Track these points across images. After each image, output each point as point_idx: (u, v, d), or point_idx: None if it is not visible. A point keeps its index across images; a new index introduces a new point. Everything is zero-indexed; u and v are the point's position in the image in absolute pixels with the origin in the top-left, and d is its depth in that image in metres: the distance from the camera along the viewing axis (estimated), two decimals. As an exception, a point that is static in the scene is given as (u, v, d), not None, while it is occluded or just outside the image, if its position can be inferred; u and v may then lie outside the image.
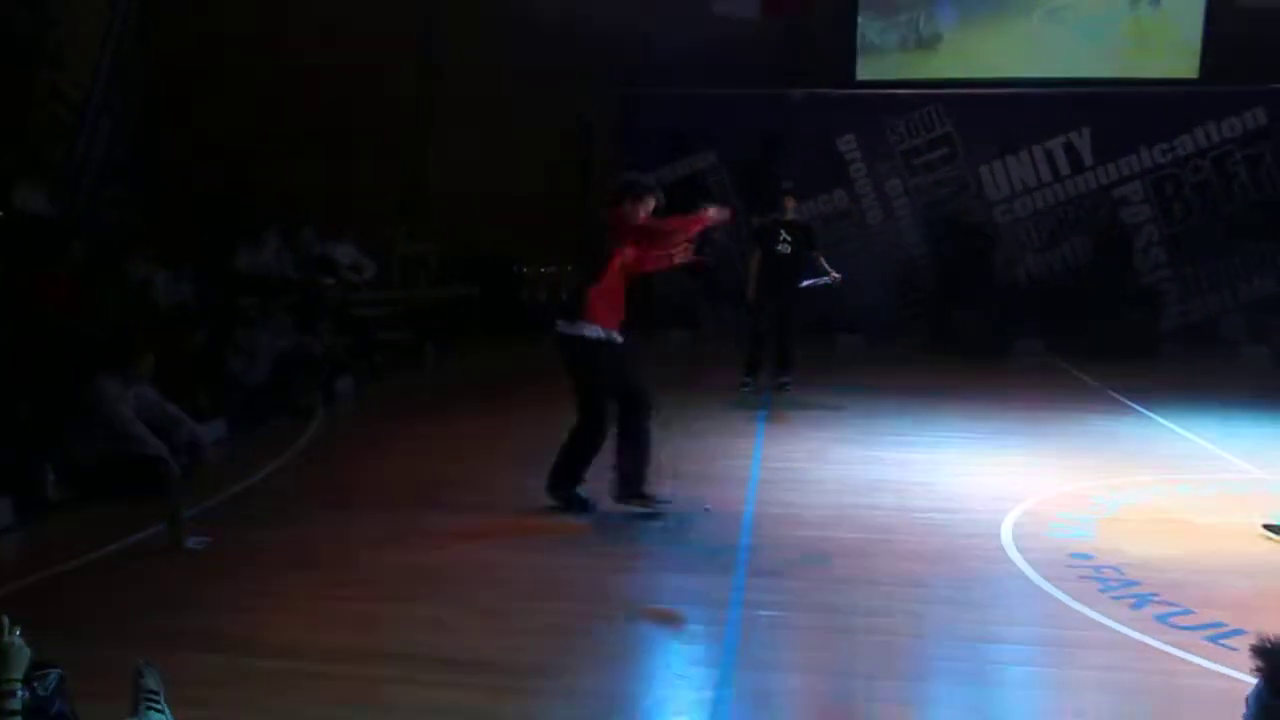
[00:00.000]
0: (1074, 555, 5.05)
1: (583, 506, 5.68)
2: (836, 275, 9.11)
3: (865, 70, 13.26)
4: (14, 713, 2.45)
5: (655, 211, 5.64)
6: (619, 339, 5.61)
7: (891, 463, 6.94)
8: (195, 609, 4.34)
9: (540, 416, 8.29)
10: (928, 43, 13.20)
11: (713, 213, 5.67)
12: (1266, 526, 5.28)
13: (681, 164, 13.48)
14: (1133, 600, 4.46)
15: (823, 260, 9.23)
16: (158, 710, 2.97)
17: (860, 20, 13.17)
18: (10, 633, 2.49)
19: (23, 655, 2.50)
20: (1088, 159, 12.92)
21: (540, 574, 4.83)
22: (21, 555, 5.10)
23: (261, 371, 8.38)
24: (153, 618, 4.22)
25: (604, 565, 4.95)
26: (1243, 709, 2.21)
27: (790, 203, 9.29)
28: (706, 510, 5.63)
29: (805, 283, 9.13)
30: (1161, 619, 4.25)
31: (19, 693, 2.47)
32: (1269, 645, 2.18)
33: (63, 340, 7.78)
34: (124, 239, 10.32)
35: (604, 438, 5.63)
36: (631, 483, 5.58)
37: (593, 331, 5.49)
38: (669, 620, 4.31)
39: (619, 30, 12.78)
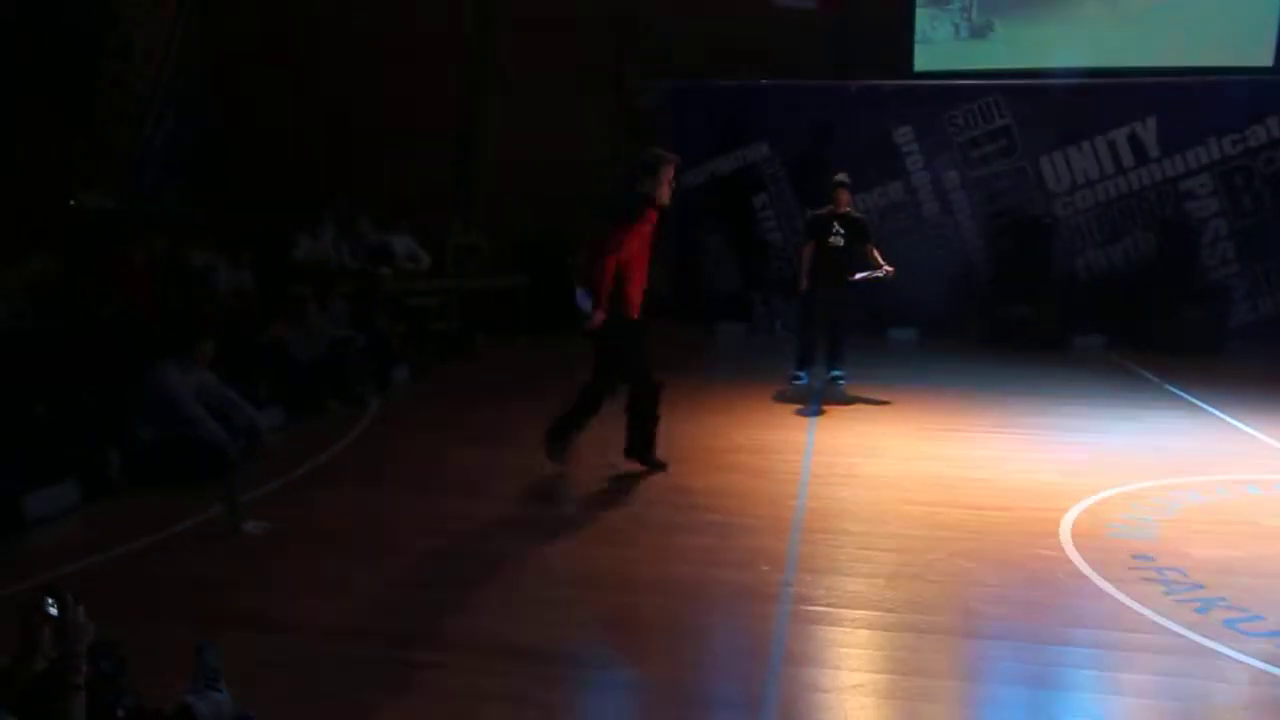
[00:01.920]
0: (1136, 556, 4.92)
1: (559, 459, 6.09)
2: (890, 268, 8.98)
3: (921, 61, 13.04)
4: (78, 687, 2.50)
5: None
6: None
7: (946, 459, 6.83)
8: (247, 591, 4.41)
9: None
10: (979, 31, 12.95)
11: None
12: None
13: (734, 156, 13.37)
14: (1197, 604, 4.33)
15: (876, 253, 9.10)
16: (217, 689, 3.02)
17: (915, 10, 12.95)
18: (74, 609, 2.53)
19: (86, 630, 2.54)
20: (1153, 150, 12.57)
21: (586, 565, 4.82)
22: (85, 535, 5.20)
23: (319, 357, 8.46)
24: (207, 598, 4.30)
25: (651, 558, 4.93)
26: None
27: (844, 195, 9.15)
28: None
29: (858, 275, 9.01)
30: (1229, 624, 4.13)
31: (82, 667, 2.52)
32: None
33: (131, 327, 7.96)
34: (187, 229, 10.52)
35: (598, 409, 6.11)
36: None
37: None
38: (719, 614, 4.27)
39: (671, 21, 12.71)
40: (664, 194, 5.83)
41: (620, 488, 6.04)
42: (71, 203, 9.41)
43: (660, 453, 6.36)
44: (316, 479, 6.28)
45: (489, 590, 4.46)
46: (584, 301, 5.78)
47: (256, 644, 3.84)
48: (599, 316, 5.79)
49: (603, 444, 6.41)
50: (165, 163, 12.04)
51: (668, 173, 5.74)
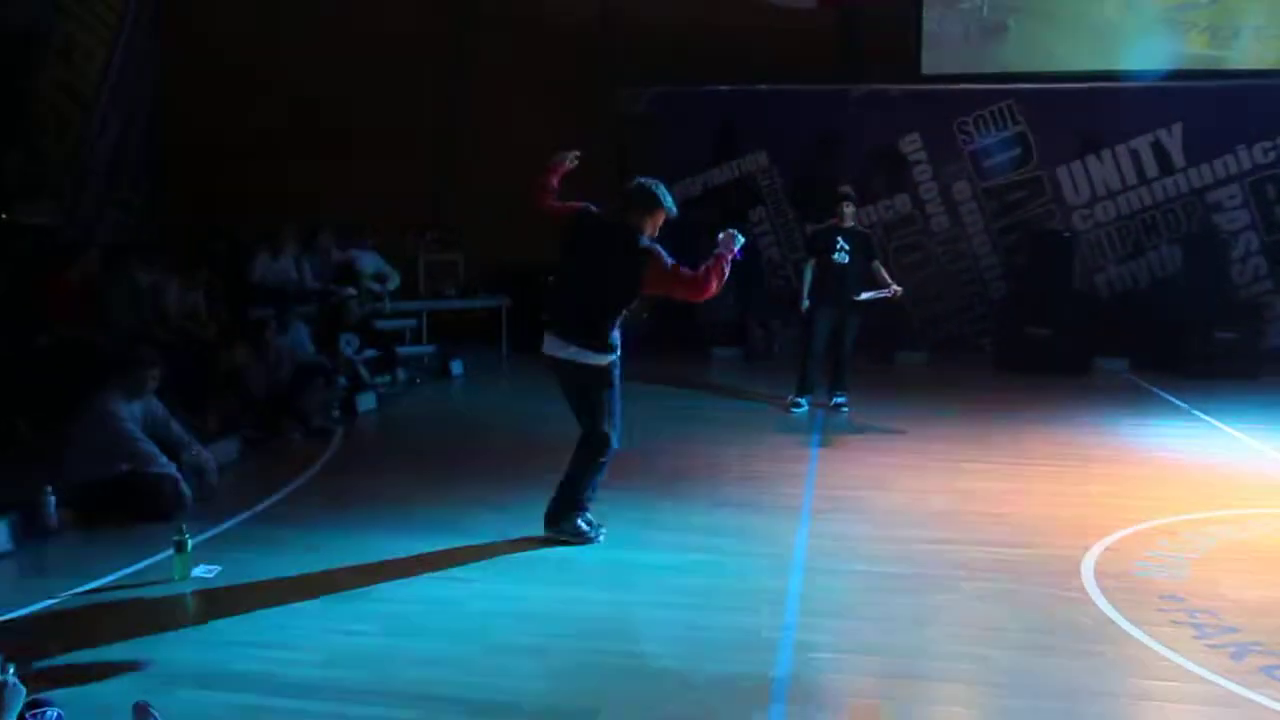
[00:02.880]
0: (1164, 597, 4.91)
1: (588, 538, 5.67)
2: (898, 287, 9.01)
3: (929, 63, 13.14)
4: None
5: (665, 225, 5.59)
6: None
7: (958, 492, 6.82)
8: (203, 642, 4.35)
9: (570, 438, 8.31)
10: (992, 31, 13.06)
11: (724, 243, 5.47)
12: None
13: (730, 166, 13.44)
14: (1232, 649, 4.32)
15: (883, 271, 9.13)
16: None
17: (923, 8, 13.05)
18: (3, 670, 2.50)
19: (17, 694, 2.51)
20: (1178, 159, 12.67)
21: (570, 608, 4.78)
22: (18, 584, 5.14)
23: (279, 385, 8.44)
24: (157, 651, 4.24)
25: (640, 601, 4.90)
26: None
27: (848, 208, 9.21)
28: None
29: (864, 295, 9.04)
30: (1267, 671, 4.11)
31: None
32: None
33: (68, 352, 7.92)
34: (133, 244, 10.49)
35: (610, 458, 5.67)
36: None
37: (611, 357, 5.53)
38: (712, 661, 4.24)
39: (661, 20, 12.79)
40: (648, 233, 5.56)
41: (606, 523, 6.00)
42: (3, 217, 9.38)
43: (650, 482, 6.31)
44: (274, 517, 6.24)
45: (461, 638, 4.42)
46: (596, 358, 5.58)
47: (204, 702, 3.80)
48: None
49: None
50: (110, 174, 12.03)
51: (659, 218, 5.55)
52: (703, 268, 5.38)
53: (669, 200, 5.58)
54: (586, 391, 5.57)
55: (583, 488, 5.70)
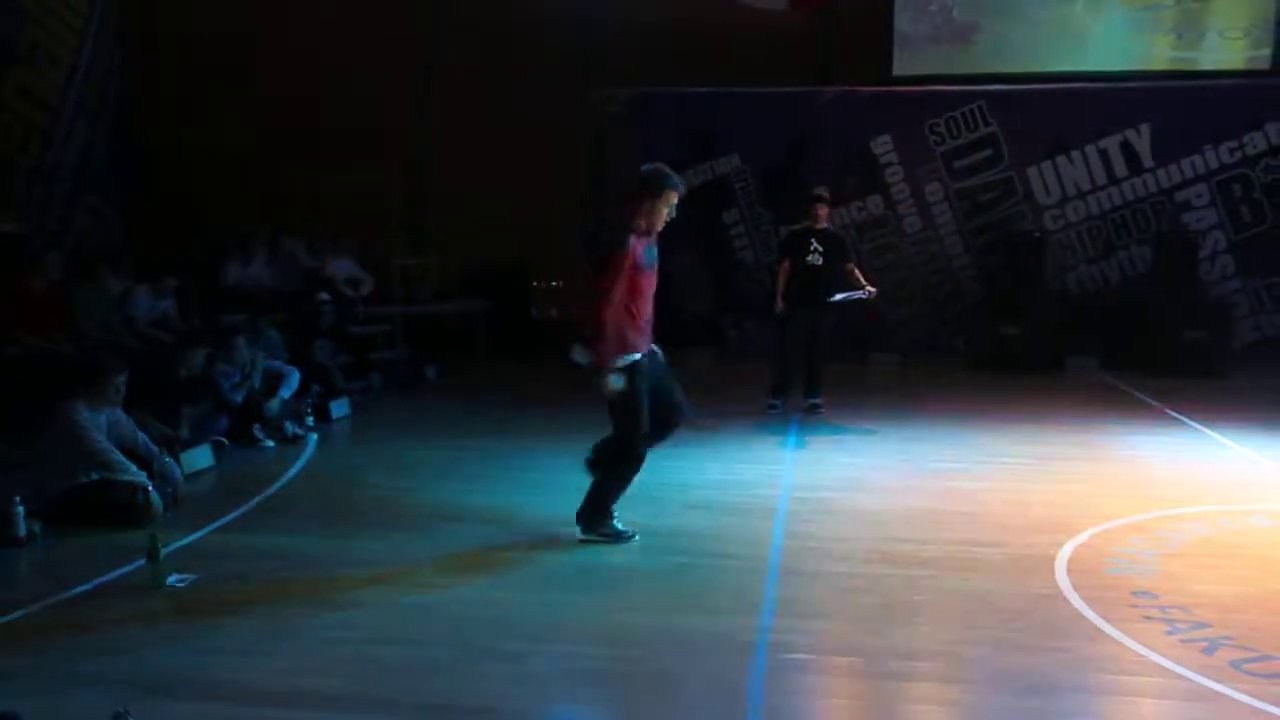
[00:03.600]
0: (1136, 593, 4.96)
1: (619, 538, 5.69)
2: (871, 288, 9.06)
3: (900, 65, 13.22)
4: None
5: (680, 205, 5.57)
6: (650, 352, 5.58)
7: (933, 492, 6.87)
8: (176, 652, 4.32)
9: (550, 441, 8.31)
10: (962, 33, 13.15)
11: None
12: None
13: (703, 168, 13.46)
14: (1204, 644, 4.37)
15: (856, 272, 9.18)
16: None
17: (894, 9, 13.13)
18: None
19: None
20: (1147, 159, 12.81)
21: (547, 613, 4.78)
22: (-12, 594, 5.09)
23: (252, 391, 8.39)
24: (130, 662, 4.21)
25: (616, 604, 4.90)
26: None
27: (821, 210, 9.25)
28: None
29: (838, 296, 9.08)
30: (1237, 665, 4.16)
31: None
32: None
33: (35, 362, 7.85)
34: (102, 251, 10.41)
35: (640, 463, 5.64)
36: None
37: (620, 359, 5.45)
38: (688, 663, 4.25)
39: (633, 23, 12.81)
40: (655, 220, 5.53)
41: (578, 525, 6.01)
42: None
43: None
44: (248, 525, 6.20)
45: (438, 645, 4.40)
46: (580, 357, 5.58)
47: (179, 712, 3.77)
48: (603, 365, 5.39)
49: (571, 481, 6.38)
50: (77, 180, 11.92)
51: (669, 199, 5.50)
52: (602, 295, 5.33)
53: (673, 179, 5.55)
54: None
55: (609, 490, 5.69)
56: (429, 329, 12.56)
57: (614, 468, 5.67)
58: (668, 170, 5.59)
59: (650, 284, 5.58)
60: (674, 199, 5.53)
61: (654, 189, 5.51)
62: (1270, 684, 3.99)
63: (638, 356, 5.51)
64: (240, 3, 13.39)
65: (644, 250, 5.51)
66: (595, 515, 5.71)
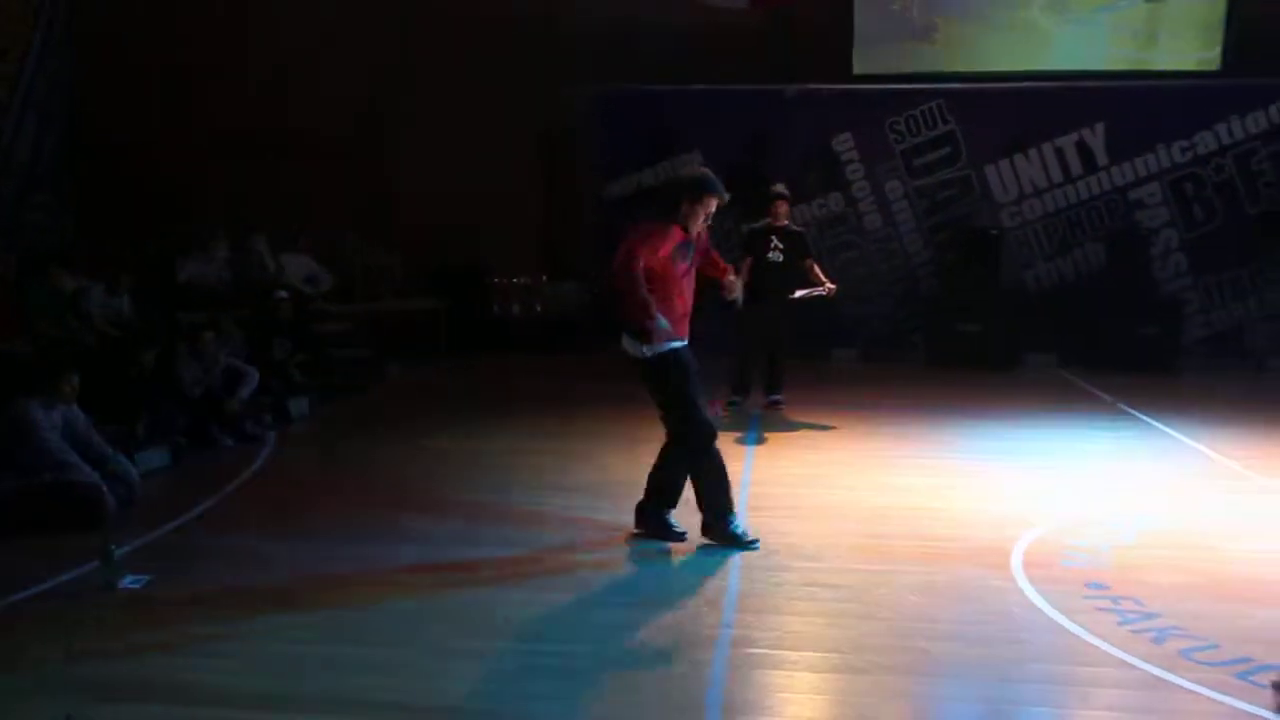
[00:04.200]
0: (1090, 585, 5.05)
1: (672, 535, 5.69)
2: (831, 285, 9.12)
3: (860, 64, 13.31)
4: None
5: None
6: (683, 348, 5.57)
7: (893, 487, 6.94)
8: (130, 655, 4.27)
9: (513, 439, 8.31)
10: (922, 33, 13.26)
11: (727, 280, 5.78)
12: None
13: (664, 166, 13.48)
14: (1153, 634, 4.46)
15: (817, 269, 9.24)
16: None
17: (854, 8, 13.21)
18: None
19: None
20: (1101, 158, 12.99)
21: (508, 611, 4.77)
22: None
23: (211, 390, 8.31)
24: (83, 664, 4.16)
25: (577, 601, 4.91)
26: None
27: (782, 207, 9.30)
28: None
29: (798, 293, 9.13)
30: (1185, 654, 4.25)
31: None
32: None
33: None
34: (56, 250, 10.27)
35: (705, 454, 5.60)
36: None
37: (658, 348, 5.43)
38: (650, 660, 4.26)
39: (595, 21, 12.81)
40: (694, 223, 5.50)
41: (544, 526, 6.01)
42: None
43: (585, 481, 6.31)
44: (204, 526, 6.14)
45: (401, 645, 4.39)
46: (632, 347, 5.43)
47: (136, 715, 3.73)
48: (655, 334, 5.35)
49: (533, 478, 6.38)
50: (28, 177, 11.74)
51: (709, 205, 5.48)
52: (628, 268, 5.32)
53: (715, 185, 5.53)
54: (651, 388, 5.56)
55: (668, 485, 5.68)
56: (390, 326, 12.50)
57: (680, 465, 5.64)
58: (712, 176, 5.58)
59: (685, 281, 5.56)
60: (713, 205, 5.52)
61: (695, 192, 5.49)
62: (1217, 672, 4.08)
63: (680, 345, 5.51)
64: (194, 2, 13.26)
65: (678, 245, 5.48)
66: (653, 510, 5.72)
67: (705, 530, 5.68)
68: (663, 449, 5.71)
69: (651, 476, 5.76)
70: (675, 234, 5.46)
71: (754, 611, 4.75)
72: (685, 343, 5.59)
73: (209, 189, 12.71)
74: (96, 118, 12.85)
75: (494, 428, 8.81)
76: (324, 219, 12.58)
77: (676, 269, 5.49)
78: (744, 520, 5.82)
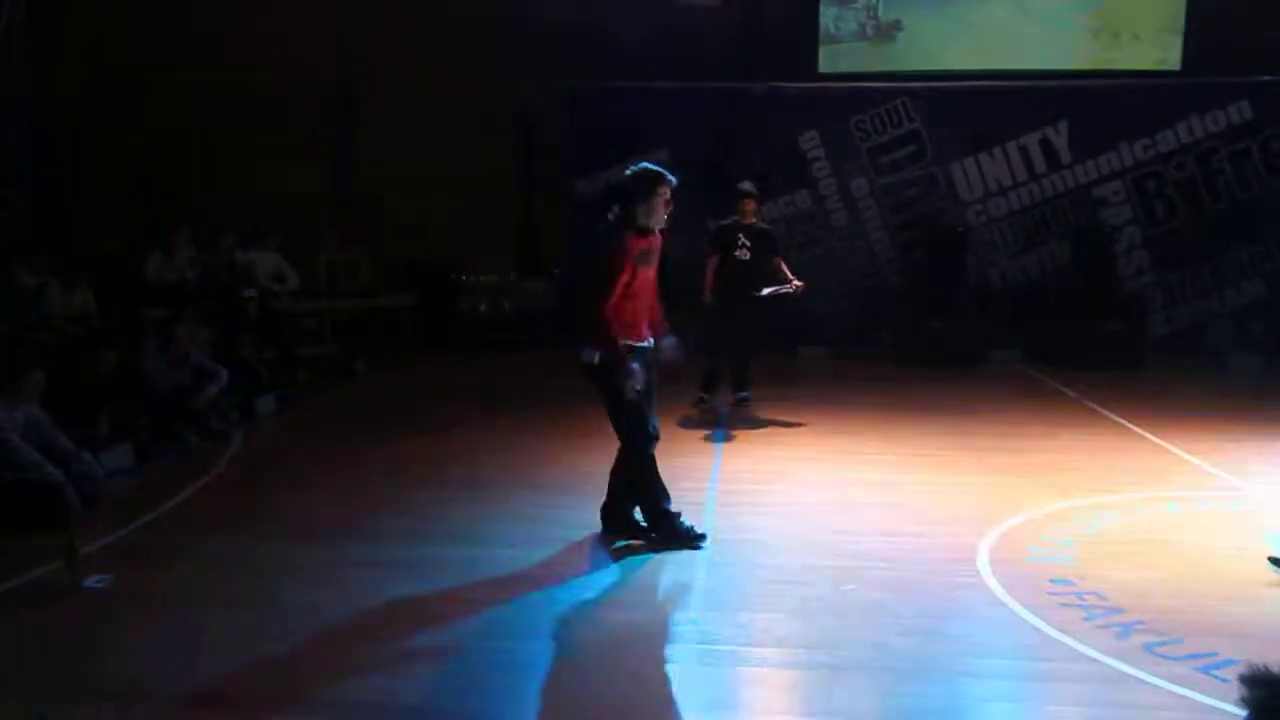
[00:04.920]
0: (1054, 581, 5.08)
1: (636, 531, 5.69)
2: (799, 282, 9.13)
3: (826, 62, 13.36)
4: None
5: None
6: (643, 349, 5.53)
7: (859, 483, 6.96)
8: (95, 655, 4.22)
9: (481, 437, 8.27)
10: (886, 31, 13.33)
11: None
12: (1273, 560, 5.18)
13: (631, 163, 13.40)
14: (1117, 629, 4.49)
15: (784, 266, 9.25)
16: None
17: (820, 7, 13.26)
18: None
19: None
20: (1065, 156, 13.11)
21: (474, 609, 4.75)
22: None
23: (177, 388, 8.21)
24: (49, 666, 4.11)
25: (544, 598, 4.89)
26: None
27: (750, 205, 9.30)
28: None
29: (766, 290, 9.14)
30: (1148, 648, 4.28)
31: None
32: (1259, 674, 2.18)
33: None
34: (16, 245, 10.11)
35: (644, 459, 5.59)
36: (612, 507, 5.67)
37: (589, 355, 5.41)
38: (618, 656, 4.25)
39: (562, 19, 12.75)
40: (656, 217, 5.45)
41: (509, 522, 5.99)
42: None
43: (552, 478, 6.25)
44: (170, 525, 6.07)
45: (366, 643, 4.35)
46: (589, 356, 5.40)
47: (101, 717, 3.68)
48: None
49: (500, 478, 6.34)
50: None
51: (664, 194, 5.42)
52: (596, 313, 5.31)
53: (661, 173, 5.48)
54: (597, 388, 5.52)
55: (641, 492, 5.63)
56: (357, 324, 12.41)
57: (630, 476, 5.63)
58: (654, 166, 5.55)
59: (646, 282, 5.53)
60: (667, 192, 5.47)
61: (647, 187, 5.45)
62: (1179, 665, 4.11)
63: (639, 347, 5.50)
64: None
65: (641, 250, 5.45)
66: (662, 525, 5.64)
67: (604, 511, 5.74)
68: (619, 449, 5.69)
69: (612, 476, 5.76)
70: (632, 245, 5.42)
71: (720, 608, 4.74)
72: (647, 343, 5.57)
73: (174, 187, 12.55)
74: (60, 115, 12.66)
75: (460, 425, 8.76)
76: (293, 216, 12.45)
77: (637, 278, 5.46)
78: (712, 517, 5.81)
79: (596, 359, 5.38)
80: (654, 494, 5.67)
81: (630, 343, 5.44)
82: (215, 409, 8.36)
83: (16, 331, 8.55)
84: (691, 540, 5.59)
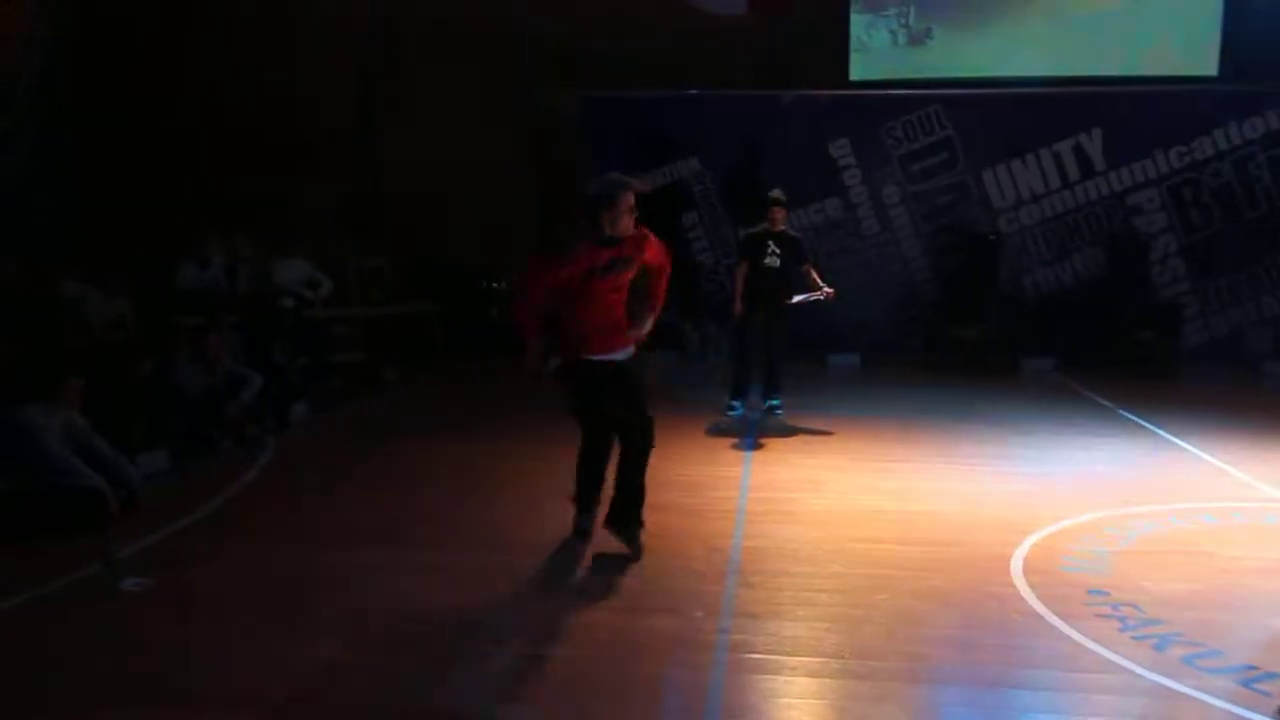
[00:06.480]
0: (1090, 591, 5.03)
1: (576, 529, 5.77)
2: (829, 290, 9.11)
3: (857, 69, 13.34)
4: None
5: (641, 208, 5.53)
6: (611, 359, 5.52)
7: (890, 492, 6.92)
8: (128, 660, 4.25)
9: (508, 444, 8.29)
10: (918, 38, 13.29)
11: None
12: None
13: (662, 172, 13.49)
14: (1155, 640, 4.44)
15: (814, 274, 9.23)
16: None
17: (850, 15, 13.24)
18: None
19: None
20: (1099, 163, 13.01)
21: (506, 615, 4.76)
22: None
23: (212, 394, 8.29)
24: (85, 668, 4.15)
25: (575, 605, 4.89)
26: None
27: (779, 213, 9.28)
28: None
29: (796, 298, 9.13)
30: (1188, 661, 4.23)
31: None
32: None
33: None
34: (53, 254, 10.25)
35: (589, 463, 5.74)
36: (612, 510, 5.64)
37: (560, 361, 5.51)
38: (647, 664, 4.25)
39: (593, 26, 12.80)
40: (621, 226, 5.42)
41: (540, 530, 5.99)
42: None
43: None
44: (207, 529, 6.12)
45: (396, 649, 4.38)
46: (552, 363, 5.54)
47: (139, 719, 3.71)
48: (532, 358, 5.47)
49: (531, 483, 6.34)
50: (31, 178, 11.70)
51: (626, 202, 5.41)
52: (525, 304, 5.49)
53: (619, 182, 5.49)
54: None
55: (637, 489, 5.65)
56: (387, 331, 12.49)
57: (637, 465, 5.65)
58: (612, 176, 5.54)
59: (607, 292, 5.47)
60: (630, 200, 5.45)
61: (607, 198, 5.44)
62: (1218, 679, 4.06)
63: (597, 359, 5.45)
64: (188, 11, 13.25)
65: (606, 260, 5.42)
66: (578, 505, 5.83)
67: (617, 513, 5.71)
68: (620, 455, 5.66)
69: (623, 478, 5.70)
70: (591, 256, 5.40)
71: (751, 616, 4.73)
72: (626, 353, 5.54)
73: (206, 196, 12.69)
74: (94, 125, 12.83)
75: (486, 432, 8.79)
76: (320, 224, 12.55)
77: (603, 285, 5.43)
78: (743, 526, 5.78)
79: (551, 362, 5.49)
80: (580, 488, 5.78)
81: (591, 356, 5.43)
82: (250, 415, 8.43)
83: (57, 341, 8.66)
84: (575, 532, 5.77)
